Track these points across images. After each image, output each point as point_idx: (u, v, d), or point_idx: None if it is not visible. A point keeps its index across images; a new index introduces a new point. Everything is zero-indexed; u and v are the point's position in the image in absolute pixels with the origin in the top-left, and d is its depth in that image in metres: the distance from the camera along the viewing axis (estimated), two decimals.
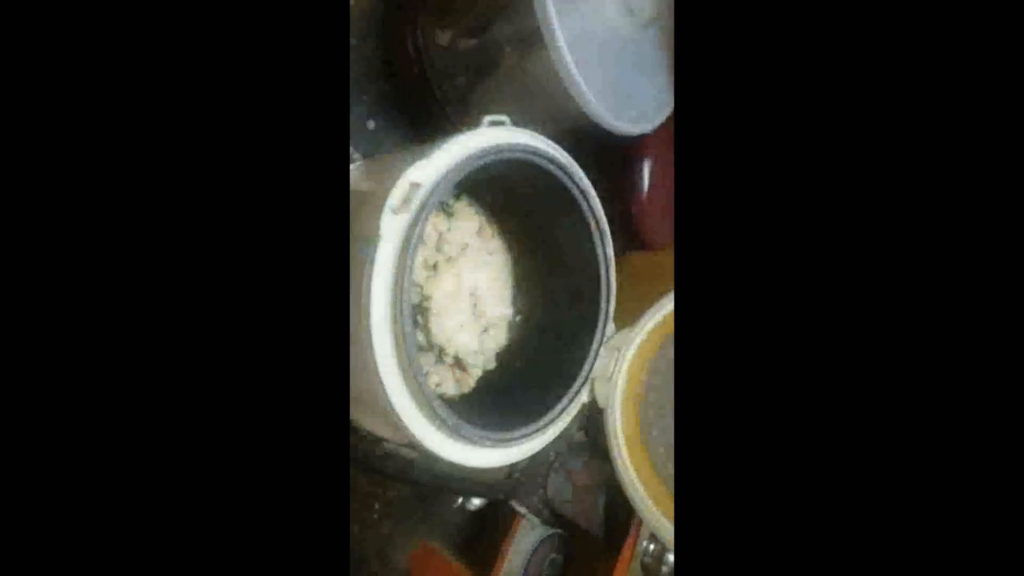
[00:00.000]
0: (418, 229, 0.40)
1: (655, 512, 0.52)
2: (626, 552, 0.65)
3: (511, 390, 0.54)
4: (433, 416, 0.42)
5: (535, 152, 0.46)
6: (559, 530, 0.75)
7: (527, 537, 0.73)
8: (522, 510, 0.73)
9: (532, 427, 0.48)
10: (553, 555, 0.75)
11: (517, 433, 0.47)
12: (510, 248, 0.57)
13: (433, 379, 0.52)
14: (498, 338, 0.55)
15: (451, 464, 0.45)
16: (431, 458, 0.44)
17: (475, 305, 0.53)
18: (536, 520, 0.74)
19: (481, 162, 0.42)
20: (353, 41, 0.62)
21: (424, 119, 0.63)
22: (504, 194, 0.55)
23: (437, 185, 0.41)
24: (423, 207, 0.40)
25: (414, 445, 0.43)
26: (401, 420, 0.41)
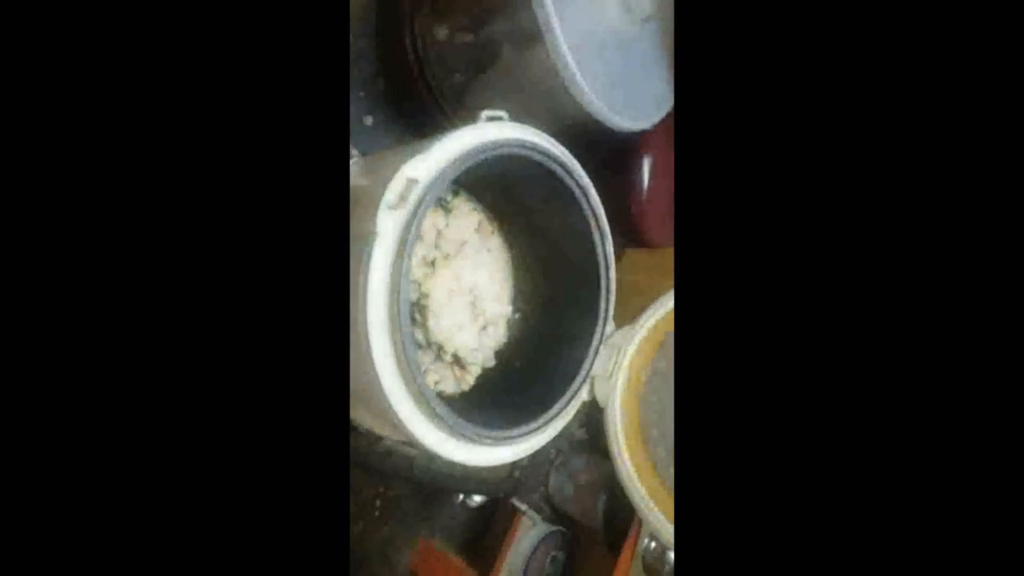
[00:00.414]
0: (415, 225, 0.39)
1: (655, 512, 0.52)
2: (627, 550, 0.65)
3: (511, 388, 0.54)
4: (432, 414, 0.41)
5: (534, 148, 0.45)
6: (560, 527, 0.75)
7: (528, 534, 0.73)
8: (523, 507, 0.73)
9: (532, 425, 0.48)
10: (554, 552, 0.75)
11: (517, 431, 0.47)
12: (509, 246, 0.57)
13: (432, 377, 0.52)
14: (497, 336, 0.55)
15: (451, 463, 0.44)
16: (431, 457, 0.44)
17: (474, 303, 0.52)
18: (537, 517, 0.74)
19: (479, 158, 0.42)
20: (350, 38, 0.62)
21: (421, 116, 0.62)
22: (503, 191, 0.54)
23: (434, 181, 0.40)
24: (420, 203, 0.40)
25: (413, 444, 0.43)
26: (399, 419, 0.41)
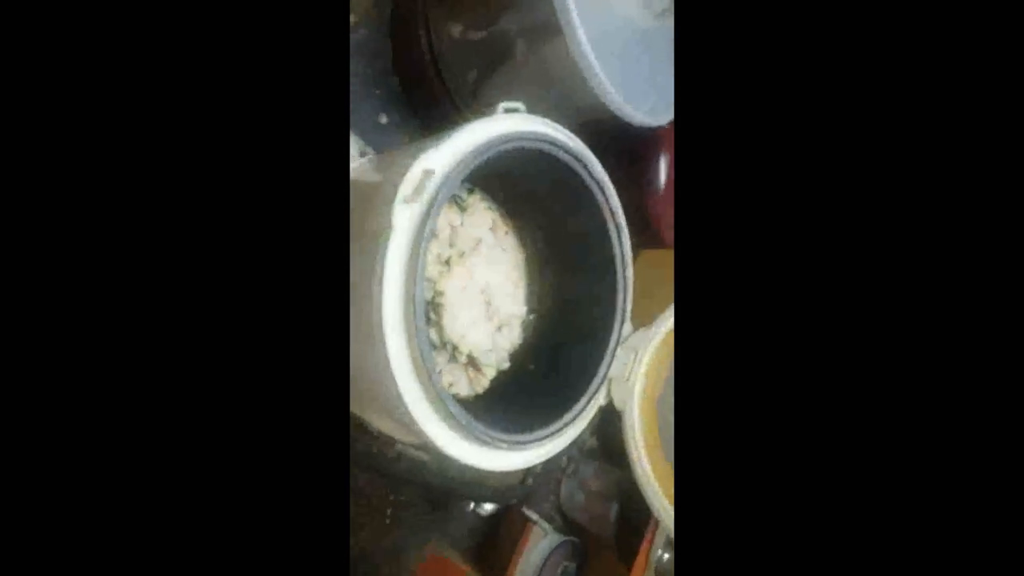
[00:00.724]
0: (431, 218, 0.38)
1: (673, 515, 0.50)
2: (640, 560, 0.63)
3: (526, 391, 0.52)
4: (446, 415, 0.40)
5: (551, 141, 0.44)
6: (572, 537, 0.74)
7: (539, 544, 0.72)
8: (534, 517, 0.72)
9: (548, 430, 0.46)
10: (566, 563, 0.73)
11: (533, 435, 0.45)
12: (524, 245, 0.56)
13: (446, 379, 0.51)
14: (512, 337, 0.53)
15: (464, 467, 0.43)
16: (443, 460, 0.42)
17: (488, 302, 0.51)
18: (548, 527, 0.72)
19: (495, 150, 0.41)
20: (363, 35, 0.61)
21: (436, 113, 0.62)
22: (518, 188, 0.53)
23: (451, 172, 0.39)
24: (436, 195, 0.38)
25: (426, 446, 0.42)
26: (413, 419, 0.39)
